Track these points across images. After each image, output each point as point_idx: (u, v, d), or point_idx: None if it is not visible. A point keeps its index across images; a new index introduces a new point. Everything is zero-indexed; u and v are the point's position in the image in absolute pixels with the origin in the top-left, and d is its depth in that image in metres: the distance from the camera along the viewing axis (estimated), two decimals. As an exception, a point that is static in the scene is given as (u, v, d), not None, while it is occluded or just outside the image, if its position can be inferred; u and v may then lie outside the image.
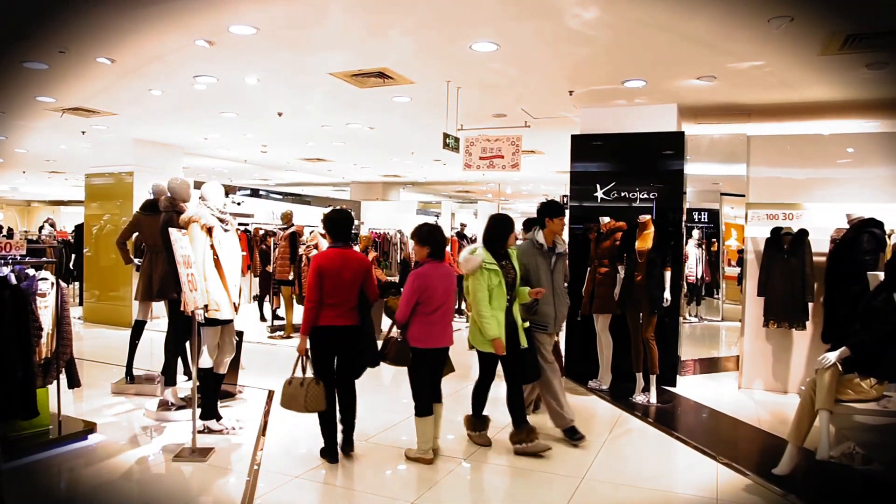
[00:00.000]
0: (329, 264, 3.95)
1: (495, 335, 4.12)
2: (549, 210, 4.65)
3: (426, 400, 4.08)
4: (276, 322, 9.25)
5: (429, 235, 4.11)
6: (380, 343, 4.20)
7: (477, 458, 4.26)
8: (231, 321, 4.55)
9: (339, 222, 4.12)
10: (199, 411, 4.43)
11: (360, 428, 4.41)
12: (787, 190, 6.25)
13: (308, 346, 3.99)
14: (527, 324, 4.40)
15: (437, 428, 4.21)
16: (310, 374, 3.97)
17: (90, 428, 4.49)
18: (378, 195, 16.85)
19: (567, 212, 5.45)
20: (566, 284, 5.01)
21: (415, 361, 4.07)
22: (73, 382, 4.32)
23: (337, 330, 3.96)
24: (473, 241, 16.59)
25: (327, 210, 4.46)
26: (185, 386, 5.28)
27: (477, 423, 4.56)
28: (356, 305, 4.04)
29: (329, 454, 4.10)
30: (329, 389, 4.00)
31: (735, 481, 3.87)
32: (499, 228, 4.33)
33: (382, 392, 6.09)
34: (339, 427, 4.16)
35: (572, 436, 4.52)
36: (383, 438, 4.64)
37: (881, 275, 4.16)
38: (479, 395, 4.53)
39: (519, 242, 4.92)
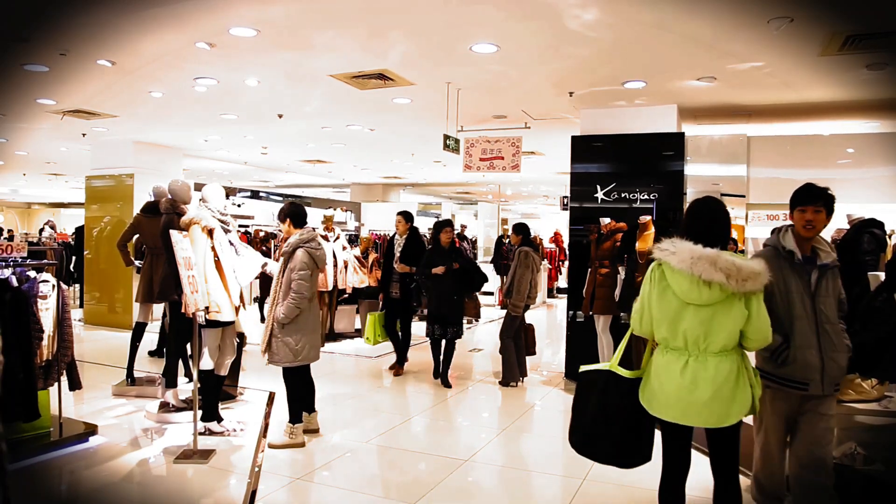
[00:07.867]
0: None
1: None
2: (795, 197, 3.18)
3: None
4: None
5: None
6: None
7: (481, 461, 4.26)
8: (232, 323, 4.56)
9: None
10: (199, 413, 4.43)
11: (362, 431, 4.46)
12: (788, 190, 6.10)
13: None
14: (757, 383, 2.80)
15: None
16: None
17: (91, 430, 4.49)
18: (378, 197, 16.86)
19: (568, 213, 5.42)
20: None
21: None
22: (74, 384, 4.33)
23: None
24: (474, 242, 16.54)
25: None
26: (185, 388, 5.28)
27: None
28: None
29: None
30: None
31: (736, 482, 3.86)
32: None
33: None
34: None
35: None
36: (382, 441, 4.66)
37: (882, 275, 4.16)
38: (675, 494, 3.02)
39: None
